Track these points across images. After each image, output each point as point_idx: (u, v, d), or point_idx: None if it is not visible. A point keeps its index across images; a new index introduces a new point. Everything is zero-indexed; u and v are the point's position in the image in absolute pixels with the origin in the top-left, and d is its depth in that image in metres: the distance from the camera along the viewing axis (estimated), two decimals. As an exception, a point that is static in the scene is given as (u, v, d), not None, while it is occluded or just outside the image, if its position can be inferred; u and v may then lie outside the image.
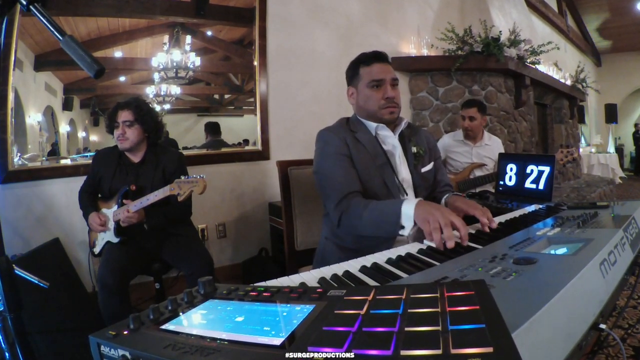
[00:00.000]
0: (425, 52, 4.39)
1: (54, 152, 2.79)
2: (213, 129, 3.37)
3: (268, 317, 0.56)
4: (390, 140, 1.61)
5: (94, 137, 2.90)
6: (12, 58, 2.48)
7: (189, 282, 2.13)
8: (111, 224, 2.16)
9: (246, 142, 3.47)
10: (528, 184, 2.26)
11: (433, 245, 1.15)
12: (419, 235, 1.31)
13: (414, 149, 1.65)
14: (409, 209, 1.26)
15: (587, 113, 10.08)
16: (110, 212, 2.16)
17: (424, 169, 1.68)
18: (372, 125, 1.60)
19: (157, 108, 3.03)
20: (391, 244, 1.37)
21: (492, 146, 3.22)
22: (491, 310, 0.48)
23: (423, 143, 1.71)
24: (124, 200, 2.10)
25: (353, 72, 1.64)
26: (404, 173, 1.60)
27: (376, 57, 1.59)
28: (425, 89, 4.38)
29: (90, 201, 2.26)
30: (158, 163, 2.25)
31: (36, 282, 1.44)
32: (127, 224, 2.09)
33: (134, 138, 2.19)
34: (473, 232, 1.28)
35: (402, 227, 1.29)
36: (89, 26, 2.81)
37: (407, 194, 1.58)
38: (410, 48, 4.37)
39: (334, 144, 1.54)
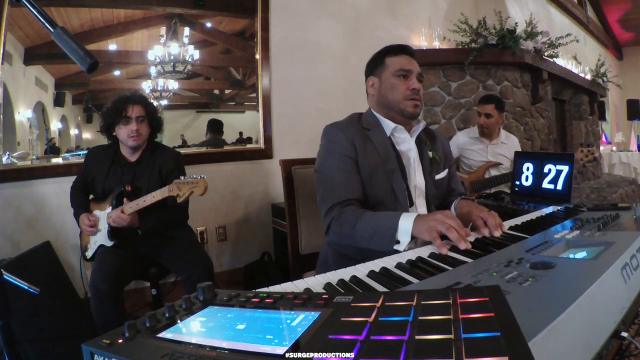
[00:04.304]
0: (436, 44, 4.37)
1: (55, 150, 2.80)
2: (215, 127, 3.38)
3: (271, 325, 0.56)
4: (406, 142, 1.58)
5: (86, 135, 2.92)
6: (1, 51, 2.50)
7: (187, 287, 2.13)
8: (103, 226, 2.16)
9: (247, 140, 3.48)
10: (545, 184, 2.25)
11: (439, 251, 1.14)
12: (426, 242, 1.30)
13: (430, 154, 1.62)
14: (406, 223, 1.25)
15: (608, 109, 10.01)
16: (104, 213, 2.15)
17: (438, 176, 1.65)
18: (389, 125, 1.56)
19: (154, 104, 3.03)
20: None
21: (508, 145, 3.21)
22: (507, 318, 0.48)
23: (439, 149, 1.69)
24: (125, 200, 2.07)
25: (377, 62, 1.60)
26: (417, 179, 1.58)
27: (405, 49, 1.58)
28: (437, 83, 4.37)
29: (81, 200, 2.27)
30: (155, 162, 2.25)
31: (26, 287, 1.45)
32: (117, 225, 2.07)
33: (145, 134, 2.21)
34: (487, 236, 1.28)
35: (398, 242, 1.28)
36: (81, 17, 2.82)
37: (415, 203, 1.56)
38: (421, 40, 4.35)
39: (340, 143, 1.50)
